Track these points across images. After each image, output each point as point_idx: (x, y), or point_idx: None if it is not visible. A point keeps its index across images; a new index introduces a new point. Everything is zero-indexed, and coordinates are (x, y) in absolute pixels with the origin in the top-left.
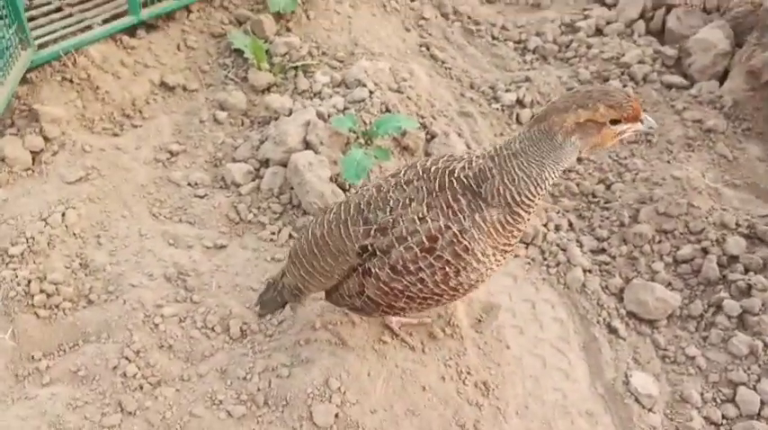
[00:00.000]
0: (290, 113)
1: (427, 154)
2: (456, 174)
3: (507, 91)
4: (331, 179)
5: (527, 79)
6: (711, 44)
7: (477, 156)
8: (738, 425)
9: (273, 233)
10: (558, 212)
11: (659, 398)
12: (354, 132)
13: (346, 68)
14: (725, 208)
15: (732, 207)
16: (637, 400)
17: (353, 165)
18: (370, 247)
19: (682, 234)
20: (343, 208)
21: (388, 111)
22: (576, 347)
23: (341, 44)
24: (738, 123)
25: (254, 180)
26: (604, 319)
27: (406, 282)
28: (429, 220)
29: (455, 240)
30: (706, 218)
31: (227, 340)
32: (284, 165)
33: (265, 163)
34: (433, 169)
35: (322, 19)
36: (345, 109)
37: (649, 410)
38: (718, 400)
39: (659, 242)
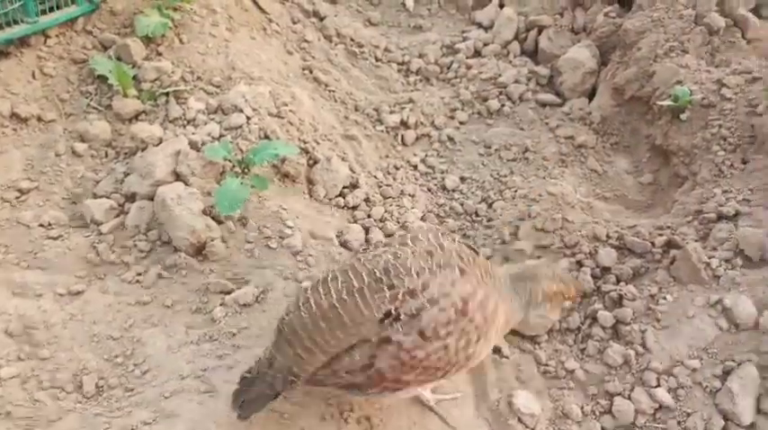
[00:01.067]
0: (160, 143)
1: (310, 180)
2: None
3: (391, 112)
4: (205, 212)
5: (410, 100)
6: (580, 63)
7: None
8: None
9: (139, 274)
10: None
11: (541, 416)
12: (230, 161)
13: (223, 94)
14: (596, 220)
15: (603, 219)
16: (520, 420)
17: (228, 195)
18: (394, 311)
19: (558, 248)
20: (352, 276)
21: (267, 137)
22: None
23: (217, 68)
24: (607, 138)
25: (117, 216)
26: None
27: (430, 349)
28: (461, 284)
29: (485, 302)
30: (579, 231)
31: (80, 399)
32: (152, 198)
33: (131, 197)
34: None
35: (196, 42)
36: (221, 136)
37: (532, 429)
38: (597, 413)
39: (538, 258)
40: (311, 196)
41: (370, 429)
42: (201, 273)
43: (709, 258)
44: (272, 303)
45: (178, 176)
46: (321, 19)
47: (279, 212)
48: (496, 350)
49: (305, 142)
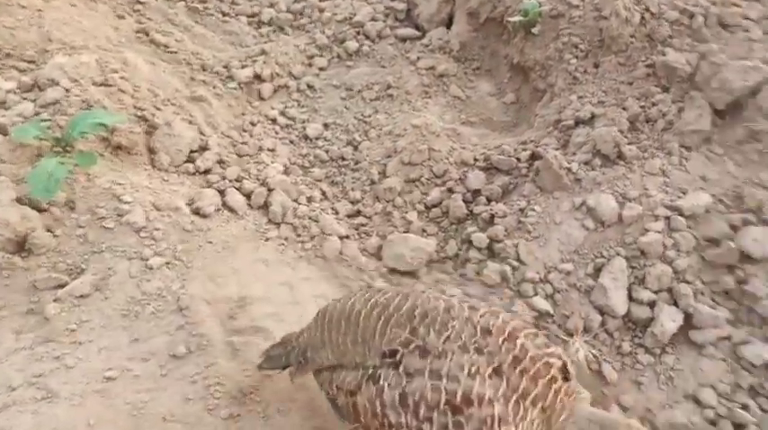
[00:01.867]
0: None
1: (151, 149)
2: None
3: (243, 67)
4: (21, 201)
5: (263, 52)
6: None
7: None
8: None
9: None
10: (308, 185)
11: None
12: (46, 140)
13: (39, 69)
14: (464, 146)
15: (471, 144)
16: None
17: (42, 178)
18: (398, 358)
19: (428, 179)
20: (394, 301)
21: (91, 109)
22: None
23: (30, 42)
24: (468, 64)
25: None
26: (367, 283)
27: (402, 421)
28: (479, 383)
29: (490, 421)
30: (447, 159)
31: None
32: None
33: None
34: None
35: (3, 16)
36: (36, 115)
37: None
38: None
39: (409, 192)
40: (154, 166)
41: (243, 399)
42: (27, 271)
43: (570, 163)
44: (115, 288)
45: None
46: None
47: (112, 189)
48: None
49: (141, 109)
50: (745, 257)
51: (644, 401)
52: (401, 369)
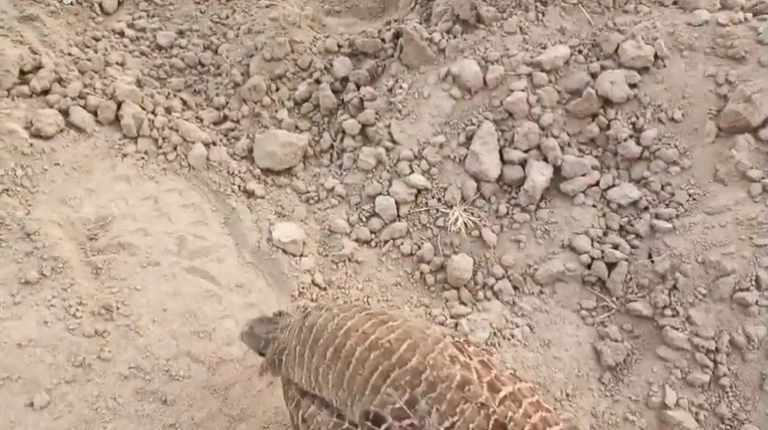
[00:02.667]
0: None
1: None
2: None
3: None
4: None
5: None
6: None
7: None
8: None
9: None
10: (165, 96)
11: (309, 240)
12: None
13: None
14: (327, 35)
15: (338, 34)
16: (284, 252)
17: None
18: (382, 429)
19: (294, 74)
20: (399, 350)
21: None
22: (218, 226)
23: None
24: None
25: None
26: (240, 186)
27: None
28: None
29: None
30: (310, 50)
31: None
32: None
33: None
34: None
35: None
36: None
37: (301, 256)
38: (363, 219)
39: (276, 90)
40: None
41: (110, 316)
42: None
43: (431, 34)
44: None
45: None
46: None
47: None
48: (251, 194)
49: None
50: (607, 102)
51: (524, 258)
52: None
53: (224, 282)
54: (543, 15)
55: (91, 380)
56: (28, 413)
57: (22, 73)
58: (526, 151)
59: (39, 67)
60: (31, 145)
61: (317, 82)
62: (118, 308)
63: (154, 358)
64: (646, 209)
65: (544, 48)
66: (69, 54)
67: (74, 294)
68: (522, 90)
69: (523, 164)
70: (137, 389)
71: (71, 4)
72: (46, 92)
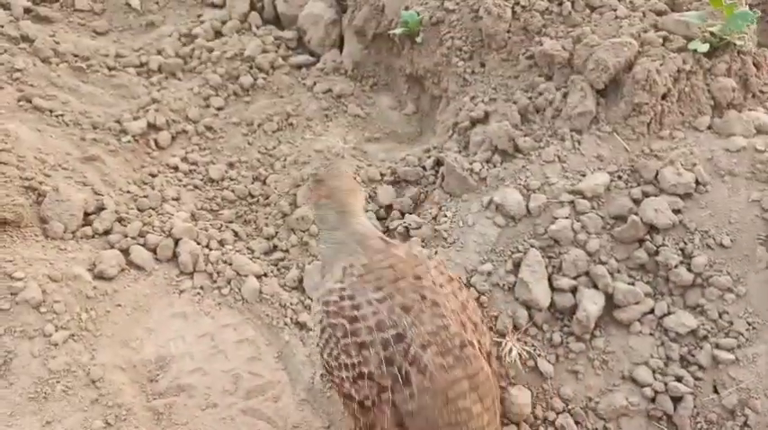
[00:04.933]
0: None
1: (43, 219)
2: None
3: (135, 119)
4: None
5: (154, 101)
6: (318, 16)
7: None
8: None
9: None
10: (218, 228)
11: None
12: None
13: None
14: (370, 163)
15: (378, 160)
16: None
17: None
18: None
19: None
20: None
21: None
22: (272, 361)
23: None
24: (365, 82)
25: None
26: (292, 319)
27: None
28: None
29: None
30: (355, 178)
31: None
32: None
33: None
34: None
35: None
36: None
37: None
38: None
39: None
40: (47, 236)
41: None
42: None
43: (471, 163)
44: (18, 372)
45: None
46: (32, 42)
47: (2, 267)
48: (302, 325)
49: (28, 179)
50: (652, 228)
51: (583, 390)
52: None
53: (281, 424)
54: (579, 144)
55: None
56: None
57: (86, 214)
58: (575, 278)
59: (101, 209)
60: (95, 287)
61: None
62: None
63: None
64: (705, 338)
65: (583, 175)
66: (128, 192)
67: None
68: (566, 217)
69: (573, 291)
70: None
71: (128, 141)
72: (107, 232)
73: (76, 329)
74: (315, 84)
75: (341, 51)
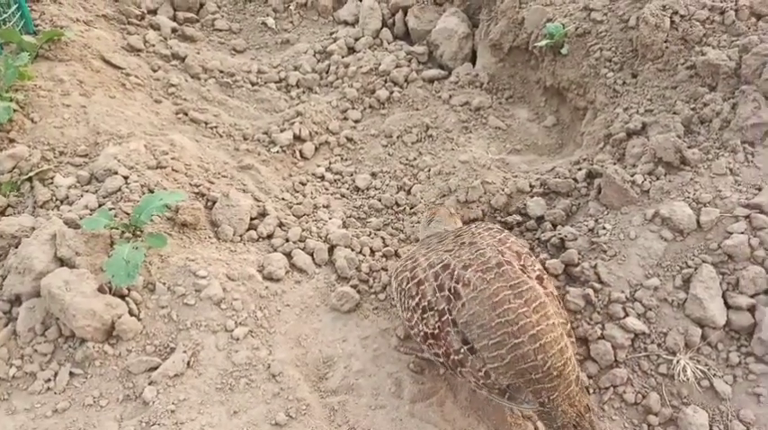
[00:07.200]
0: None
1: (213, 223)
2: None
3: (282, 131)
4: (101, 290)
5: (298, 114)
6: (452, 31)
7: None
8: None
9: (48, 380)
10: (369, 235)
11: None
12: (116, 228)
13: (92, 161)
14: (516, 175)
15: (522, 172)
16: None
17: (121, 265)
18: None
19: (490, 214)
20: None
21: (151, 192)
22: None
23: (80, 138)
24: (501, 94)
25: (6, 325)
26: None
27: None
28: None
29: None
30: (502, 190)
31: None
32: (39, 294)
33: (16, 301)
34: None
35: (50, 118)
36: (101, 205)
37: None
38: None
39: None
40: (219, 238)
41: None
42: (118, 357)
43: (632, 176)
44: (206, 363)
45: (62, 261)
46: (183, 59)
47: (187, 265)
48: None
49: (197, 185)
50: None
51: (766, 415)
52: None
53: (448, 428)
54: (753, 157)
55: None
56: None
57: (251, 219)
58: (753, 296)
59: (263, 214)
60: (266, 287)
61: (518, 224)
62: None
63: None
64: None
65: (759, 189)
66: (283, 199)
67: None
68: (742, 233)
69: (752, 309)
70: None
71: (277, 151)
72: (270, 236)
73: (254, 326)
74: (451, 96)
75: (473, 65)
